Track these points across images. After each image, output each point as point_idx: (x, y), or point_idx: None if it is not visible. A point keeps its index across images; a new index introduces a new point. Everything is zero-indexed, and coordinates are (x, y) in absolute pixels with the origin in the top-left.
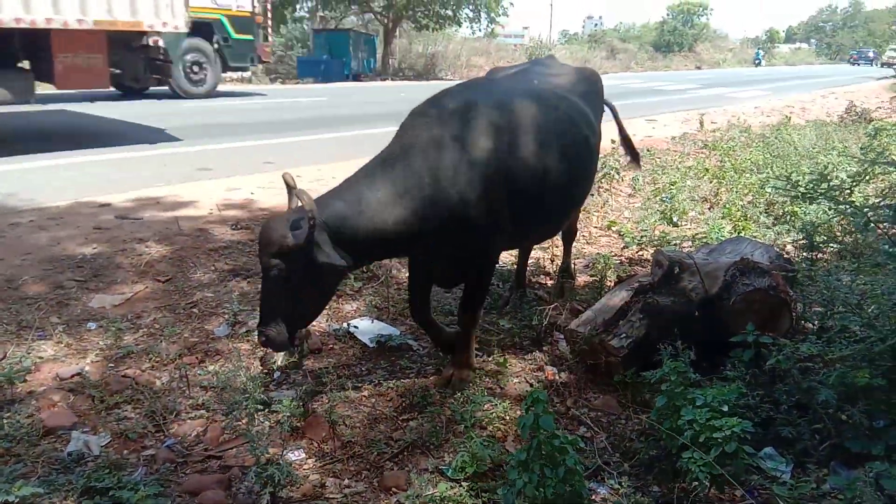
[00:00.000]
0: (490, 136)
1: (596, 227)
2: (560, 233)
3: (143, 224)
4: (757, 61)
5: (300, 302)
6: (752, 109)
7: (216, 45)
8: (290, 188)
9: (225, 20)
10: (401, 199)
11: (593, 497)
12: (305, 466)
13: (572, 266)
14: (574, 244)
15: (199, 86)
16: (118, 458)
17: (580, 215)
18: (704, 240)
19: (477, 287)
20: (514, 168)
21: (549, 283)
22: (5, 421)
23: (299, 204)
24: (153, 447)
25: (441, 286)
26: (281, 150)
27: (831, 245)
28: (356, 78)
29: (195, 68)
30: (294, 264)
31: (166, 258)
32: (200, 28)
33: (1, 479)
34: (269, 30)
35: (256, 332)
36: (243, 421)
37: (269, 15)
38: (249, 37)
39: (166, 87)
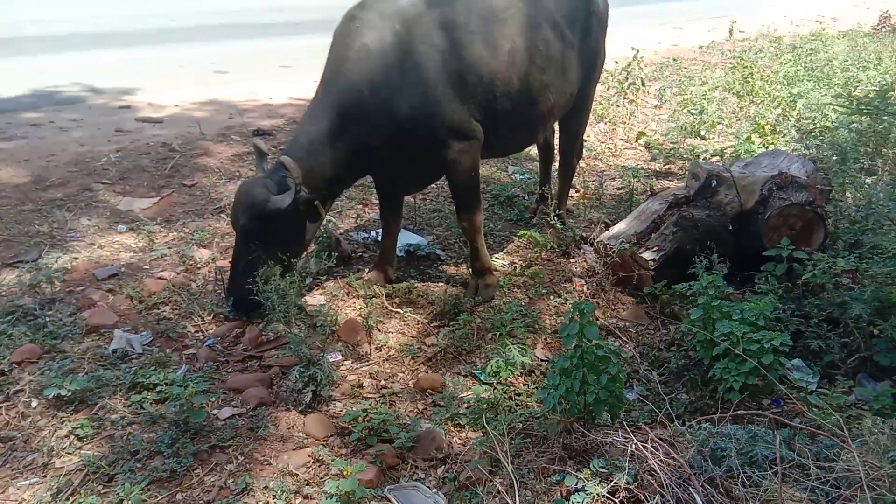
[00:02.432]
0: (433, 37)
1: (622, 140)
2: (557, 149)
3: (164, 127)
4: None
5: (282, 249)
6: (782, 17)
7: None
8: (263, 154)
9: None
10: (345, 124)
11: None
12: (343, 368)
13: (568, 196)
14: (597, 160)
15: None
16: (161, 355)
17: (589, 129)
18: (735, 154)
19: (458, 195)
20: (464, 69)
21: (576, 194)
22: (48, 319)
23: (266, 165)
24: (194, 346)
25: (403, 195)
26: (298, 52)
27: (861, 161)
28: None
29: None
30: (274, 224)
31: (190, 162)
32: None
33: (51, 374)
34: None
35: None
36: (281, 324)
37: None
38: None
39: None
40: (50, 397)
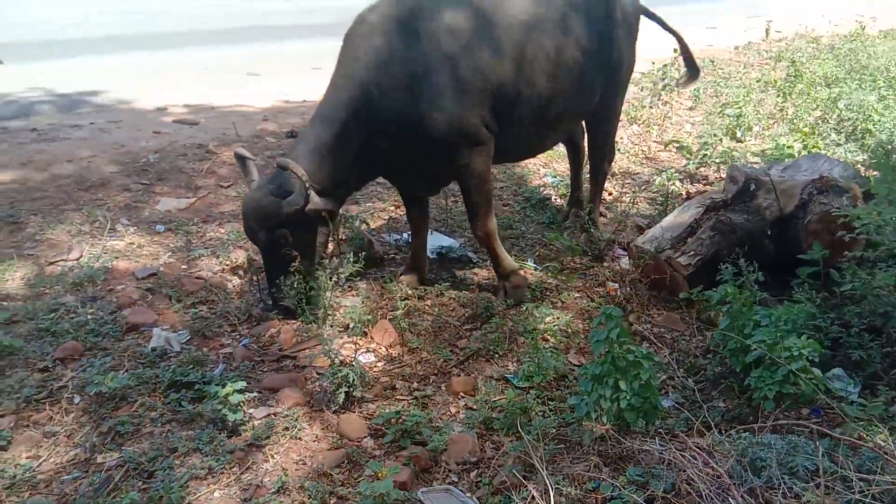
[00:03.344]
0: (443, 42)
1: (656, 142)
2: (588, 154)
3: (201, 129)
4: None
5: (304, 252)
6: (819, 17)
7: None
8: (248, 159)
9: None
10: (355, 127)
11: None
12: (375, 369)
13: (600, 200)
14: (631, 162)
15: None
16: (199, 354)
17: (622, 131)
18: (772, 156)
19: (470, 201)
20: (472, 74)
21: (609, 197)
22: (90, 316)
23: (257, 172)
24: (230, 346)
25: (420, 196)
26: (328, 54)
27: None
28: None
29: None
30: (294, 227)
31: (226, 163)
32: None
33: (93, 370)
34: None
35: (263, 304)
36: (314, 325)
37: None
38: None
39: None
40: (92, 394)
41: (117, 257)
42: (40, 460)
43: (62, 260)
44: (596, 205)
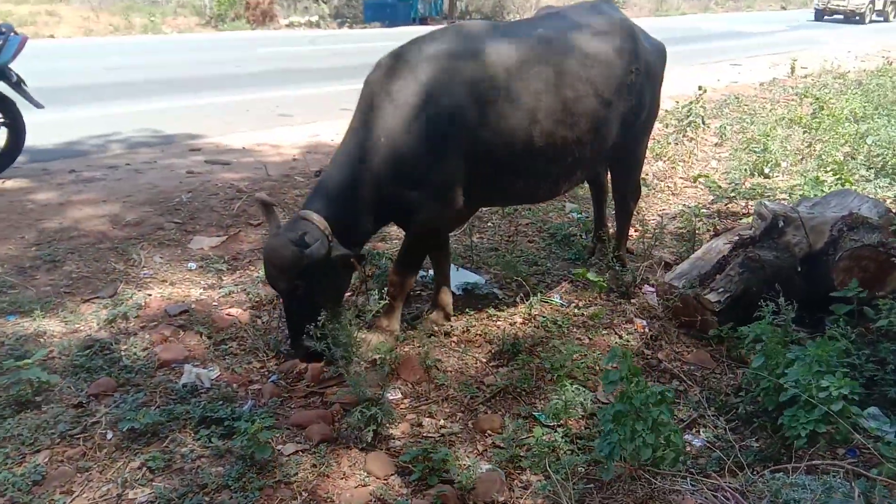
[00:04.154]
0: (456, 91)
1: (682, 178)
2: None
3: (232, 169)
4: None
5: (326, 298)
6: (845, 53)
7: None
8: (271, 206)
9: None
10: (367, 173)
11: (688, 449)
12: (402, 406)
13: (626, 238)
14: (657, 198)
15: None
16: (228, 390)
17: (647, 167)
18: (801, 193)
19: (408, 251)
20: (483, 125)
21: (636, 234)
22: (123, 353)
23: (278, 218)
24: (259, 382)
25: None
26: (356, 96)
27: None
28: (423, 21)
29: None
30: (314, 276)
31: (256, 203)
32: None
33: (125, 406)
34: None
35: (288, 350)
36: (341, 361)
37: None
38: None
39: None
40: (124, 430)
41: (150, 294)
42: (73, 496)
43: (97, 297)
44: (622, 242)
